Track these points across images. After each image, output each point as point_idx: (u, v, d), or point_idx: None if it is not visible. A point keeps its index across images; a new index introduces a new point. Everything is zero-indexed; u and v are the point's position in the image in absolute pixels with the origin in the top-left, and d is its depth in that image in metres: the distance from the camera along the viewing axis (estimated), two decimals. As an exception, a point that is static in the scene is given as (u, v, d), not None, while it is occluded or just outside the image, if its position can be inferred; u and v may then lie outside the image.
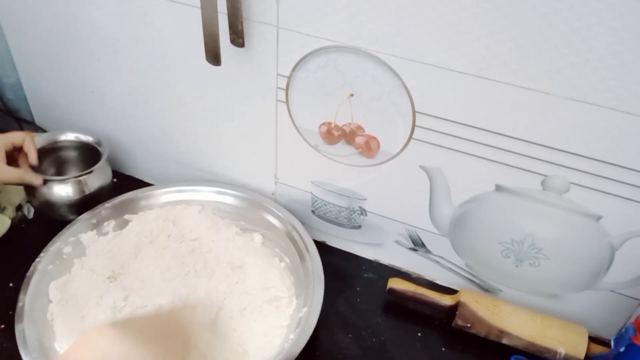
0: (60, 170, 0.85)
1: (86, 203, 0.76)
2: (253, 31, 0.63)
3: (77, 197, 0.77)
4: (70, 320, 0.65)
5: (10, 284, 0.66)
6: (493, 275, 0.71)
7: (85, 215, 0.74)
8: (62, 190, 0.76)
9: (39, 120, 0.93)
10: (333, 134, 0.67)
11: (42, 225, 0.72)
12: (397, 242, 0.76)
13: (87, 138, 0.82)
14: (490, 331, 0.67)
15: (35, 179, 0.68)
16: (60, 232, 0.71)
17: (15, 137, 0.71)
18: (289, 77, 0.65)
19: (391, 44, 0.57)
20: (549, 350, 0.65)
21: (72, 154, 0.84)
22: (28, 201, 0.82)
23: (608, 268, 0.63)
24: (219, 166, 0.81)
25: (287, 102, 0.68)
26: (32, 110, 0.92)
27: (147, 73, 0.75)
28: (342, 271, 0.78)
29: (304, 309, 0.63)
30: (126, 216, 0.77)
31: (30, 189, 0.76)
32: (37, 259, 0.67)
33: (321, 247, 0.81)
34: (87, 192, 0.77)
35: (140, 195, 0.78)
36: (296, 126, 0.70)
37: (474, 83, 0.56)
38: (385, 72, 0.59)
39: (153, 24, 0.69)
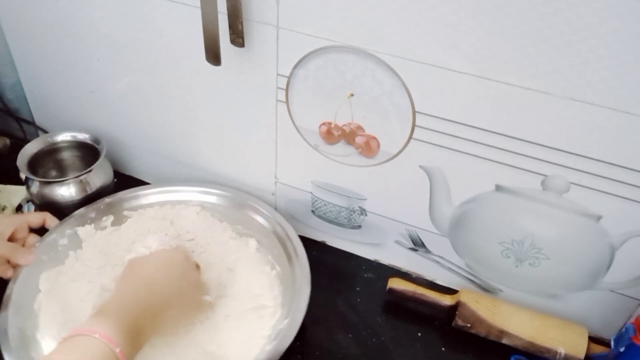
0: (61, 171, 0.85)
1: (89, 203, 0.76)
2: (253, 31, 0.63)
3: (79, 197, 0.77)
4: (56, 312, 0.65)
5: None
6: (493, 275, 0.71)
7: (84, 209, 0.74)
8: (65, 191, 0.76)
9: (39, 120, 0.93)
10: (333, 134, 0.67)
11: (37, 232, 0.71)
12: (397, 242, 0.76)
13: (85, 137, 0.82)
14: (490, 331, 0.67)
15: (24, 259, 0.67)
16: (57, 224, 0.71)
17: (32, 218, 0.70)
18: (289, 77, 0.65)
19: (391, 44, 0.57)
20: (549, 350, 0.65)
21: (72, 155, 0.85)
22: (28, 201, 0.82)
23: (608, 268, 0.63)
24: (219, 166, 0.81)
25: (287, 102, 0.68)
26: (32, 110, 0.92)
27: (147, 73, 0.75)
28: (342, 271, 0.78)
29: (285, 321, 0.62)
30: (125, 212, 0.77)
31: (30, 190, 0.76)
32: (33, 249, 0.68)
33: (321, 247, 0.81)
34: (89, 192, 0.77)
35: (140, 193, 0.78)
36: (296, 126, 0.70)
37: (474, 83, 0.56)
38: (385, 72, 0.59)
39: (153, 24, 0.69)
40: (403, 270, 0.79)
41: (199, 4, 0.60)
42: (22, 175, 0.78)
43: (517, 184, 0.61)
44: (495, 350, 0.68)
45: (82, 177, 0.77)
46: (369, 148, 0.66)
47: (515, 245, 0.65)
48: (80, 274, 0.70)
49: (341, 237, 0.80)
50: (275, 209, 0.80)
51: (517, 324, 0.67)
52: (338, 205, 0.76)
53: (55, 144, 0.82)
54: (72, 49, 0.78)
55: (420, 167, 0.65)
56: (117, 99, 0.81)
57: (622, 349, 0.58)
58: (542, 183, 0.60)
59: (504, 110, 0.56)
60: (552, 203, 0.61)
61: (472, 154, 0.61)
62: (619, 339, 0.59)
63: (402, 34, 0.56)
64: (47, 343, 0.62)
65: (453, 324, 0.69)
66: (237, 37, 0.62)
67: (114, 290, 0.58)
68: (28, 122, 0.93)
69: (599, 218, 0.60)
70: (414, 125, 0.62)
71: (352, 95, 0.63)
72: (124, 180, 0.89)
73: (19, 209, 0.82)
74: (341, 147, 0.68)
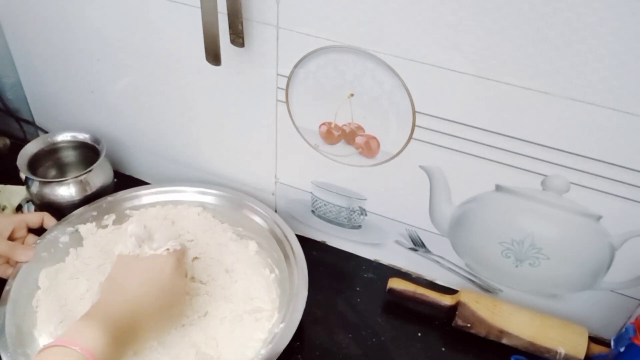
0: (61, 171, 0.85)
1: (89, 203, 0.76)
2: (253, 31, 0.63)
3: (79, 197, 0.77)
4: (54, 309, 0.65)
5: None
6: (493, 275, 0.71)
7: (85, 208, 0.75)
8: (65, 191, 0.76)
9: (39, 120, 0.93)
10: (333, 134, 0.67)
11: (35, 231, 0.72)
12: (397, 242, 0.76)
13: (85, 136, 0.82)
14: (490, 331, 0.67)
15: (23, 256, 0.68)
16: (59, 222, 0.72)
17: (31, 218, 0.71)
18: (289, 77, 0.65)
19: (391, 44, 0.57)
20: (549, 350, 0.65)
21: (72, 155, 0.85)
22: (28, 201, 0.82)
23: (608, 268, 0.63)
24: (219, 166, 0.81)
25: (287, 102, 0.68)
26: (32, 110, 0.92)
27: (147, 73, 0.75)
28: (342, 271, 0.78)
29: (281, 325, 0.62)
30: (127, 211, 0.77)
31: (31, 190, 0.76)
32: (32, 246, 0.68)
33: (321, 247, 0.81)
34: (89, 192, 0.77)
35: (142, 192, 0.78)
36: (296, 126, 0.70)
37: (474, 83, 0.56)
38: (385, 72, 0.59)
39: (153, 24, 0.69)
40: (403, 270, 0.79)
41: (199, 4, 0.60)
42: (22, 175, 0.78)
43: (517, 184, 0.61)
44: (495, 350, 0.68)
45: (82, 177, 0.77)
46: (369, 148, 0.66)
47: (515, 245, 0.65)
48: (80, 272, 0.70)
49: (341, 237, 0.80)
50: (275, 209, 0.80)
51: (517, 324, 0.67)
52: (338, 205, 0.76)
53: (55, 144, 0.82)
54: (72, 49, 0.78)
55: (420, 167, 0.65)
56: (117, 99, 0.81)
57: (622, 349, 0.58)
58: (542, 183, 0.60)
59: (504, 110, 0.56)
60: (552, 203, 0.61)
61: (472, 154, 0.61)
62: (619, 339, 0.59)
63: (402, 34, 0.56)
64: (44, 340, 0.62)
65: (453, 324, 0.69)
66: (237, 37, 0.62)
67: (100, 293, 0.57)
68: (28, 122, 0.93)
69: (599, 218, 0.60)
70: (414, 125, 0.62)
71: (352, 95, 0.63)
72: (124, 180, 0.89)
73: (19, 209, 0.82)
74: (341, 147, 0.68)
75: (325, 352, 0.68)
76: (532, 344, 0.66)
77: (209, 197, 0.79)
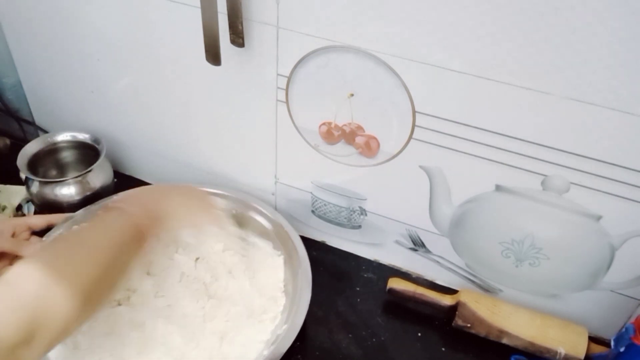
0: (62, 171, 0.85)
1: (89, 203, 0.76)
2: (253, 31, 0.63)
3: (79, 197, 0.77)
4: None
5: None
6: (493, 275, 0.71)
7: (90, 207, 0.74)
8: (65, 191, 0.76)
9: (39, 120, 0.93)
10: (333, 134, 0.67)
11: (39, 234, 0.72)
12: (397, 242, 0.76)
13: (85, 136, 0.82)
14: (490, 331, 0.67)
15: (28, 250, 0.68)
16: (64, 220, 0.72)
17: (34, 221, 0.70)
18: (289, 77, 0.65)
19: (391, 44, 0.57)
20: (549, 350, 0.65)
21: (72, 155, 0.85)
22: (28, 201, 0.82)
23: (608, 268, 0.63)
24: (219, 166, 0.81)
25: (287, 102, 0.68)
26: (32, 110, 0.92)
27: (147, 73, 0.75)
28: (342, 271, 0.78)
29: (284, 327, 0.62)
30: None
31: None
32: (39, 240, 0.68)
33: (321, 247, 0.81)
34: (89, 192, 0.77)
35: None
36: (296, 126, 0.70)
37: (474, 83, 0.56)
38: (385, 72, 0.59)
39: (153, 24, 0.69)
40: (403, 270, 0.79)
41: (199, 4, 0.60)
42: (22, 175, 0.78)
43: (517, 184, 0.61)
44: (495, 350, 0.68)
45: (82, 177, 0.77)
46: (369, 148, 0.66)
47: (515, 245, 0.65)
48: None
49: (341, 237, 0.80)
50: (275, 209, 0.80)
51: (517, 324, 0.67)
52: (338, 205, 0.76)
53: (55, 144, 0.82)
54: (72, 49, 0.78)
55: (420, 167, 0.65)
56: (117, 99, 0.81)
57: (622, 349, 0.58)
58: (542, 183, 0.60)
59: (504, 110, 0.56)
60: (552, 203, 0.61)
61: (472, 154, 0.61)
62: (619, 339, 0.59)
63: (402, 34, 0.56)
64: None
65: (453, 324, 0.69)
66: (237, 37, 0.62)
67: None
68: (28, 122, 0.93)
69: (599, 218, 0.60)
70: (414, 125, 0.62)
71: (352, 95, 0.63)
72: (124, 180, 0.89)
73: (19, 209, 0.82)
74: (341, 147, 0.68)
75: (326, 352, 0.68)
76: (532, 344, 0.66)
77: (213, 197, 0.79)
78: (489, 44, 0.53)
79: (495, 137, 0.59)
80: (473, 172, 0.63)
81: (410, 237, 0.74)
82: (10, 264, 0.68)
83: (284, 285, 0.69)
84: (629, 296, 0.65)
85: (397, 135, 0.64)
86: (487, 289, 0.73)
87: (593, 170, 0.56)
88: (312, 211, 0.79)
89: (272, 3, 0.60)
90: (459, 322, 0.68)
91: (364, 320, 0.72)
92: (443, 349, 0.69)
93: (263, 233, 0.75)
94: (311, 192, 0.76)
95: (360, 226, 0.77)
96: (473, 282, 0.74)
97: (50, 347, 0.46)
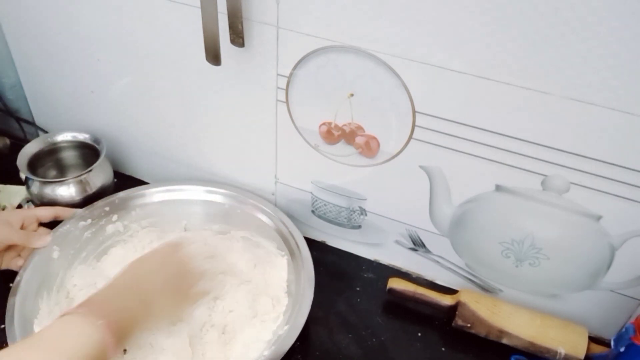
0: (62, 171, 0.85)
1: (89, 203, 0.76)
2: (253, 31, 0.63)
3: (79, 197, 0.77)
4: (60, 300, 0.67)
5: (11, 284, 0.66)
6: (493, 275, 0.71)
7: (97, 204, 0.75)
8: (65, 191, 0.76)
9: (39, 120, 0.93)
10: (333, 134, 0.67)
11: (46, 225, 0.72)
12: (397, 242, 0.76)
13: (85, 136, 0.82)
14: (490, 331, 0.67)
15: (39, 242, 0.68)
16: (72, 214, 0.72)
17: (42, 213, 0.71)
18: (289, 77, 0.65)
19: (391, 44, 0.57)
20: (549, 350, 0.65)
21: (72, 155, 0.85)
22: (28, 201, 0.82)
23: (608, 268, 0.63)
24: (219, 166, 0.81)
25: (287, 102, 0.68)
26: (32, 110, 0.92)
27: (147, 73, 0.75)
28: (342, 271, 0.78)
29: (285, 327, 0.62)
30: (137, 209, 0.77)
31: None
32: (48, 232, 0.70)
33: (321, 247, 0.81)
34: (89, 192, 0.78)
35: (146, 191, 0.78)
36: (296, 126, 0.70)
37: (474, 83, 0.56)
38: (385, 72, 0.59)
39: (153, 24, 0.69)
40: (403, 270, 0.79)
41: (199, 4, 0.60)
42: (22, 175, 0.78)
43: (517, 184, 0.61)
44: (495, 350, 0.68)
45: (82, 177, 0.77)
46: (369, 148, 0.66)
47: (515, 245, 0.65)
48: (92, 266, 0.72)
49: (341, 237, 0.80)
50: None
51: (517, 324, 0.67)
52: (338, 205, 0.76)
53: (55, 144, 0.82)
54: (72, 49, 0.78)
55: (420, 167, 0.65)
56: (117, 99, 0.81)
57: (622, 349, 0.58)
58: (542, 183, 0.60)
59: (504, 110, 0.56)
60: (552, 203, 0.61)
61: (472, 154, 0.61)
62: (619, 339, 0.59)
63: (402, 34, 0.56)
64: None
65: (453, 324, 0.69)
66: (237, 37, 0.62)
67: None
68: (28, 122, 0.93)
69: (599, 218, 0.60)
70: (414, 125, 0.62)
71: (352, 95, 0.63)
72: (124, 180, 0.89)
73: (18, 209, 0.82)
74: (341, 147, 0.68)
75: (326, 352, 0.68)
76: (532, 344, 0.66)
77: (215, 195, 0.79)
78: (489, 44, 0.53)
79: (495, 137, 0.59)
80: (473, 172, 0.63)
81: (410, 237, 0.74)
82: (19, 255, 0.68)
83: (287, 286, 0.69)
84: (629, 296, 0.65)
85: (397, 135, 0.64)
86: (487, 289, 0.73)
87: (593, 170, 0.56)
88: (312, 211, 0.79)
89: (272, 3, 0.60)
90: (459, 322, 0.68)
91: (364, 320, 0.72)
92: (443, 349, 0.69)
93: (266, 232, 0.75)
94: (311, 192, 0.76)
95: (360, 226, 0.77)
96: (473, 282, 0.74)
97: None
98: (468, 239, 0.69)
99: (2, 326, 0.62)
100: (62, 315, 0.50)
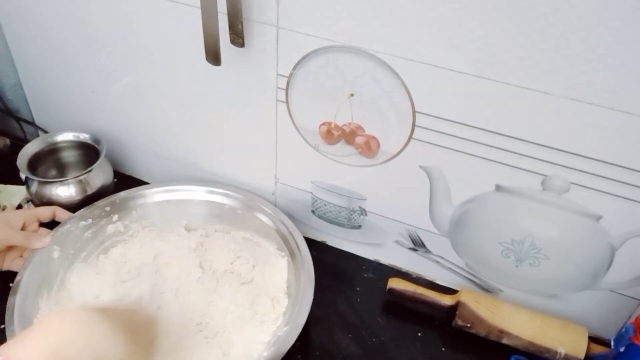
0: (62, 171, 0.85)
1: (89, 203, 0.76)
2: (253, 31, 0.63)
3: (79, 197, 0.77)
4: (60, 300, 0.67)
5: (10, 284, 0.66)
6: (493, 275, 0.71)
7: (97, 203, 0.75)
8: (64, 191, 0.76)
9: (39, 120, 0.93)
10: (333, 134, 0.67)
11: (46, 225, 0.72)
12: (397, 242, 0.76)
13: (85, 136, 0.82)
14: (490, 331, 0.67)
15: (39, 243, 0.68)
16: (72, 215, 0.73)
17: (42, 212, 0.71)
18: (289, 77, 0.65)
19: (391, 44, 0.57)
20: (549, 350, 0.65)
21: (72, 155, 0.85)
22: (28, 201, 0.82)
23: (608, 268, 0.63)
24: (219, 166, 0.81)
25: (287, 102, 0.68)
26: (32, 110, 0.92)
27: (147, 73, 0.75)
28: (342, 271, 0.78)
29: (285, 328, 0.62)
30: (138, 208, 0.77)
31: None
32: (48, 233, 0.70)
33: (321, 247, 0.81)
34: (89, 192, 0.78)
35: (147, 191, 0.78)
36: (296, 126, 0.70)
37: (474, 83, 0.56)
38: (385, 72, 0.59)
39: (153, 24, 0.69)
40: (403, 270, 0.79)
41: (199, 4, 0.60)
42: (22, 175, 0.78)
43: (517, 184, 0.61)
44: (495, 350, 0.68)
45: (82, 177, 0.77)
46: (369, 148, 0.66)
47: (515, 245, 0.65)
48: (92, 266, 0.72)
49: (341, 237, 0.80)
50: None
51: (517, 324, 0.67)
52: (338, 205, 0.76)
53: (55, 144, 0.82)
54: (72, 49, 0.78)
55: (420, 167, 0.65)
56: (117, 99, 0.81)
57: (622, 349, 0.58)
58: (542, 183, 0.60)
59: (504, 110, 0.56)
60: (552, 203, 0.61)
61: (472, 154, 0.61)
62: (619, 339, 0.59)
63: (402, 34, 0.56)
64: None
65: (453, 324, 0.69)
66: (237, 37, 0.62)
67: None
68: (28, 122, 0.93)
69: (599, 218, 0.60)
70: (414, 125, 0.62)
71: (352, 95, 0.63)
72: (124, 180, 0.89)
73: (18, 209, 0.82)
74: (341, 147, 0.68)
75: (325, 352, 0.68)
76: (532, 344, 0.66)
77: (216, 195, 0.79)
78: (489, 44, 0.53)
79: (495, 137, 0.59)
80: (473, 172, 0.63)
81: (410, 237, 0.74)
82: (20, 255, 0.68)
83: (287, 287, 0.69)
84: (629, 296, 0.65)
85: (397, 135, 0.64)
86: (487, 289, 0.73)
87: (593, 170, 0.56)
88: (312, 211, 0.79)
89: (272, 3, 0.60)
90: (459, 322, 0.68)
91: (364, 320, 0.72)
92: (443, 349, 0.69)
93: (267, 233, 0.75)
94: (311, 192, 0.76)
95: (360, 226, 0.77)
96: (473, 282, 0.74)
97: None
98: (468, 239, 0.69)
99: (2, 326, 0.63)
100: None
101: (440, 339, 0.70)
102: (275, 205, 0.80)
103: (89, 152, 0.82)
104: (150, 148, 0.85)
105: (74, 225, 0.72)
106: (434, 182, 0.66)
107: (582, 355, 0.64)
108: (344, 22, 0.58)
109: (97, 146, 0.80)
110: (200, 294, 0.68)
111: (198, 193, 0.79)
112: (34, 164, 0.79)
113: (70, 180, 0.76)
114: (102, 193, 0.78)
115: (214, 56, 0.64)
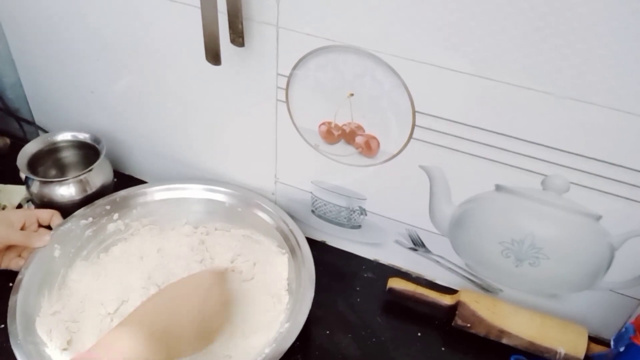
0: (62, 171, 0.85)
1: (89, 203, 0.76)
2: (253, 31, 0.63)
3: (79, 197, 0.77)
4: (62, 298, 0.67)
5: (10, 284, 0.66)
6: (493, 275, 0.71)
7: (97, 202, 0.75)
8: (64, 191, 0.76)
9: (39, 120, 0.93)
10: (333, 134, 0.67)
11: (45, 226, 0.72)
12: (397, 242, 0.76)
13: (85, 136, 0.82)
14: (490, 331, 0.67)
15: (39, 242, 0.68)
16: (73, 215, 0.73)
17: (42, 214, 0.71)
18: (289, 77, 0.65)
19: (391, 44, 0.57)
20: (549, 350, 0.65)
21: (72, 155, 0.85)
22: (28, 200, 0.82)
23: (608, 268, 0.63)
24: (219, 166, 0.81)
25: (287, 101, 0.68)
26: (32, 110, 0.92)
27: (147, 73, 0.75)
28: (342, 271, 0.78)
29: (286, 325, 0.62)
30: (139, 207, 0.77)
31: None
32: (48, 232, 0.70)
33: (321, 247, 0.81)
34: (89, 192, 0.77)
35: (148, 190, 0.79)
36: (296, 126, 0.70)
37: (474, 83, 0.56)
38: (385, 72, 0.59)
39: (153, 24, 0.69)
40: (403, 270, 0.79)
41: (199, 4, 0.60)
42: (22, 175, 0.78)
43: (517, 184, 0.61)
44: (495, 350, 0.68)
45: (82, 177, 0.77)
46: (369, 148, 0.66)
47: (515, 245, 0.65)
48: (93, 265, 0.72)
49: (341, 237, 0.80)
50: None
51: (517, 324, 0.67)
52: (338, 205, 0.76)
53: (55, 143, 0.82)
54: (72, 49, 0.78)
55: (420, 167, 0.65)
56: (117, 99, 0.81)
57: (622, 349, 0.58)
58: (542, 183, 0.60)
59: (504, 110, 0.56)
60: (552, 203, 0.61)
61: (472, 154, 0.61)
62: (619, 338, 0.59)
63: (402, 34, 0.56)
64: (41, 330, 0.63)
65: (453, 324, 0.69)
66: (237, 37, 0.62)
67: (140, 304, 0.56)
68: (28, 122, 0.93)
69: (599, 218, 0.60)
70: (414, 125, 0.62)
71: (352, 95, 0.63)
72: (124, 180, 0.89)
73: (18, 208, 0.82)
74: (341, 147, 0.68)
75: (325, 352, 0.68)
76: (532, 344, 0.66)
77: (216, 193, 0.79)
78: (489, 44, 0.53)
79: (495, 137, 0.59)
80: (473, 172, 0.63)
81: (410, 237, 0.74)
82: (19, 255, 0.69)
83: (288, 284, 0.69)
84: (628, 296, 0.65)
85: (397, 135, 0.64)
86: (487, 289, 0.73)
87: (593, 170, 0.56)
88: (312, 211, 0.79)
89: (272, 3, 0.60)
90: (458, 322, 0.68)
91: (364, 320, 0.72)
92: (443, 349, 0.69)
93: (267, 230, 0.75)
94: (311, 192, 0.76)
95: (360, 226, 0.77)
96: (473, 282, 0.74)
97: None
98: (468, 238, 0.69)
99: (2, 326, 0.63)
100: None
101: (440, 338, 0.70)
102: (276, 204, 0.81)
103: (89, 152, 0.81)
104: (150, 148, 0.85)
105: (75, 224, 0.72)
106: (434, 181, 0.66)
107: (582, 355, 0.64)
108: (344, 22, 0.58)
109: (97, 146, 0.80)
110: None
111: (198, 191, 0.79)
112: (34, 163, 0.79)
113: (70, 180, 0.76)
114: (102, 193, 0.78)
115: (214, 56, 0.64)
